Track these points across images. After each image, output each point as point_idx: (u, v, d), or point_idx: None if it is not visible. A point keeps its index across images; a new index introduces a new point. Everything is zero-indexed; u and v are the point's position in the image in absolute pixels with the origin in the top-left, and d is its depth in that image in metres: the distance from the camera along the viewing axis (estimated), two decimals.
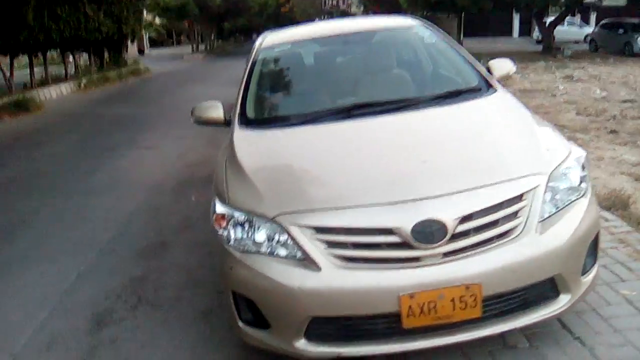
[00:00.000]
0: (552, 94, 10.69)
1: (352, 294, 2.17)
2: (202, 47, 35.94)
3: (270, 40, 3.90)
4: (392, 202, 2.22)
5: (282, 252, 2.29)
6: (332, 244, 2.21)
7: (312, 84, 3.59)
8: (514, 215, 2.24)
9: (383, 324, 2.22)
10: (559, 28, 23.99)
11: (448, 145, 2.60)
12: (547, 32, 23.28)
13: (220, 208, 2.48)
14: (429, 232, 2.14)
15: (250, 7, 41.63)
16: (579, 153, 2.57)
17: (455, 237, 2.17)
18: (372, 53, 3.83)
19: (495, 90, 3.17)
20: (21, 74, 14.53)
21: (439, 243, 2.15)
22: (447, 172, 2.38)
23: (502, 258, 2.19)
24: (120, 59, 20.01)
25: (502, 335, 2.52)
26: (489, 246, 2.20)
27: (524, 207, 2.26)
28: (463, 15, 26.24)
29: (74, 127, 9.76)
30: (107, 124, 9.87)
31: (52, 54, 17.17)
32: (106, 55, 19.17)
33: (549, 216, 2.30)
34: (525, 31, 34.29)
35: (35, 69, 14.17)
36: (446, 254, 2.17)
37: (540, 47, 23.75)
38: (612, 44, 21.49)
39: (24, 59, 14.65)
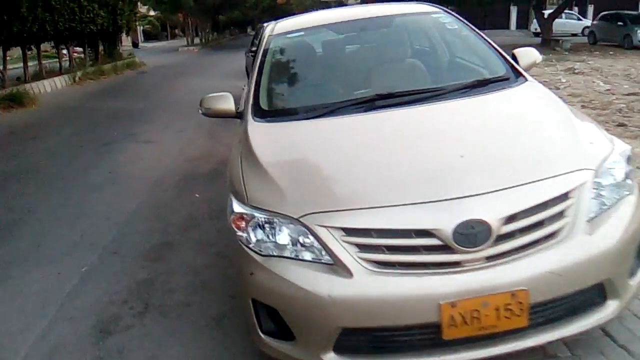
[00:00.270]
0: (555, 87, 10.52)
1: (388, 303, 1.98)
2: (197, 40, 35.55)
3: (282, 27, 3.68)
4: (430, 200, 2.03)
5: (308, 255, 2.09)
6: (364, 247, 2.02)
7: (329, 73, 3.38)
8: (560, 214, 2.06)
9: (421, 335, 2.03)
10: (556, 20, 23.81)
11: (484, 138, 2.40)
12: (546, 24, 23.08)
13: (238, 208, 2.28)
14: (472, 234, 1.95)
15: (246, 0, 41.23)
16: (623, 147, 2.39)
17: (500, 239, 1.98)
18: (392, 40, 3.62)
19: (526, 80, 2.99)
20: (14, 67, 14.24)
21: (482, 246, 1.96)
22: (487, 167, 2.18)
23: (550, 261, 2.00)
24: (115, 52, 19.69)
25: (542, 345, 2.33)
26: (534, 249, 2.02)
27: (570, 205, 2.07)
28: (461, 7, 26.01)
29: (69, 121, 9.51)
30: (104, 117, 9.62)
31: (46, 46, 16.83)
32: (101, 48, 18.83)
33: (597, 215, 2.11)
34: (522, 24, 34.10)
35: (29, 63, 13.84)
36: (489, 258, 1.98)
37: (538, 40, 23.56)
38: (611, 36, 21.37)
39: (16, 52, 14.33)
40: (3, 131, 8.89)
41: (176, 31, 47.59)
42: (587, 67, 13.93)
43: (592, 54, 17.90)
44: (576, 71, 13.27)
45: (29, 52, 13.79)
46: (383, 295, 1.97)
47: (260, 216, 2.19)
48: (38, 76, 13.87)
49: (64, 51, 16.63)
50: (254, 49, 9.70)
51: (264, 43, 3.48)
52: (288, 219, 2.12)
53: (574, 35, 26.67)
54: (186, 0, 30.50)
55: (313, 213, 2.08)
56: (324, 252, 2.05)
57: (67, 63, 16.42)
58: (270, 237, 2.16)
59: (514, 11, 34.62)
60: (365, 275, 1.98)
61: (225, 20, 45.37)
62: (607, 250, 2.05)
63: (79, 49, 17.96)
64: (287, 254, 2.12)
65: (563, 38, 23.03)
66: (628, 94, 9.40)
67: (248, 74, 10.85)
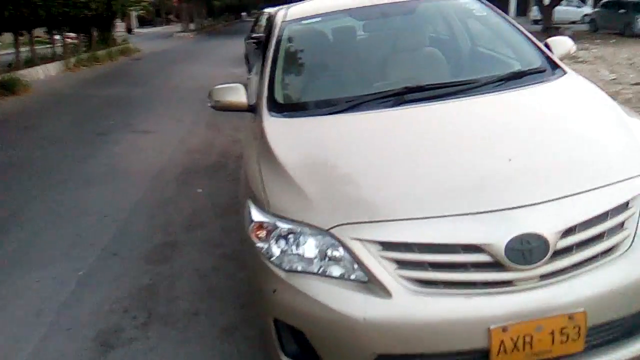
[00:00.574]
0: None
1: (431, 327, 1.74)
2: (192, 26, 35.01)
3: (295, 13, 3.39)
4: (479, 211, 1.79)
5: (338, 271, 1.85)
6: (404, 264, 1.78)
7: (350, 63, 3.11)
8: (620, 226, 1.83)
9: None
10: (557, 8, 23.48)
11: (531, 139, 2.15)
12: (547, 11, 22.75)
13: (258, 216, 2.03)
14: (527, 250, 1.72)
15: None
16: None
17: (556, 255, 1.75)
18: (417, 27, 3.36)
19: (565, 72, 2.74)
20: (6, 53, 13.85)
21: (537, 263, 1.73)
22: (540, 173, 1.94)
23: (610, 279, 1.78)
24: (109, 38, 19.24)
25: None
26: (592, 265, 1.79)
27: (631, 216, 1.84)
28: None
29: (64, 110, 9.20)
30: (99, 105, 9.30)
31: (39, 32, 16.39)
32: (95, 34, 18.38)
33: None
34: (521, 11, 33.71)
35: (21, 48, 13.44)
36: (544, 276, 1.75)
37: (538, 27, 23.24)
38: (612, 23, 21.08)
39: (8, 37, 13.92)
40: None
41: (171, 17, 46.89)
42: (591, 56, 13.67)
43: (594, 42, 17.62)
44: (580, 60, 13.02)
45: (21, 38, 13.37)
46: (426, 319, 1.74)
47: (283, 226, 1.94)
48: (31, 62, 13.48)
49: (57, 37, 16.20)
50: (254, 35, 9.44)
51: (276, 30, 3.20)
52: (316, 230, 1.88)
53: (574, 22, 26.33)
54: None
55: (345, 224, 1.84)
56: (357, 268, 1.82)
57: (61, 49, 16.00)
58: (295, 249, 1.92)
59: None
60: (405, 296, 1.75)
61: (220, 5, 44.69)
62: None
63: (73, 35, 17.52)
64: (314, 269, 1.88)
65: (563, 26, 22.72)
66: (635, 84, 9.19)
67: (248, 61, 10.58)
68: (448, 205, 1.82)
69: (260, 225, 2.01)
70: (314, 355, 1.89)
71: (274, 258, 1.95)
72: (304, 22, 3.31)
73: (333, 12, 3.37)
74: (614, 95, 7.99)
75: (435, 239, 1.77)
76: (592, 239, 1.79)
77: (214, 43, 23.17)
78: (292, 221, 1.93)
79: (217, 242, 3.73)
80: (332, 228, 1.85)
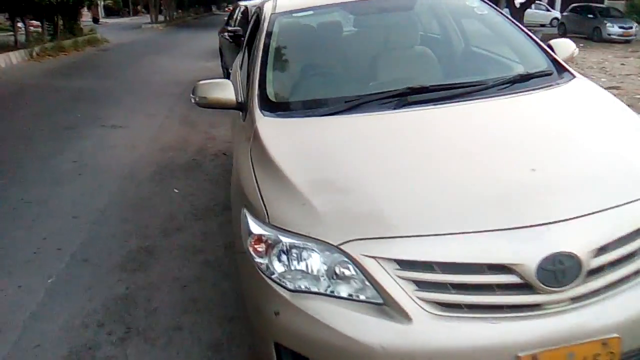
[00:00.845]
0: None
1: (455, 356, 1.58)
2: (160, 17, 34.21)
3: (285, 5, 3.17)
4: (507, 227, 1.62)
5: (349, 292, 1.67)
6: (424, 285, 1.61)
7: (346, 59, 2.91)
8: None
9: None
10: (527, 11, 23.78)
11: (553, 148, 2.00)
12: (519, 13, 23.00)
13: (257, 228, 1.82)
14: (560, 270, 1.57)
15: None
16: None
17: (589, 275, 1.60)
18: (416, 23, 3.19)
19: (573, 76, 2.62)
20: None
21: (570, 285, 1.58)
22: (568, 186, 1.79)
23: None
24: (75, 27, 18.55)
25: None
26: (625, 286, 1.65)
27: None
28: None
29: (28, 101, 8.73)
30: (65, 98, 8.86)
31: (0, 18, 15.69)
32: (60, 22, 17.67)
33: None
34: None
35: None
36: (575, 299, 1.60)
37: None
38: (581, 28, 21.46)
39: None
40: None
41: (139, 7, 45.80)
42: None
43: None
44: None
45: None
46: (449, 346, 1.57)
47: (286, 240, 1.74)
48: None
49: (20, 24, 15.50)
50: (230, 28, 9.15)
51: (266, 23, 2.98)
52: (324, 245, 1.69)
53: (543, 25, 26.76)
54: None
55: (358, 240, 1.65)
56: (370, 289, 1.63)
57: (24, 37, 15.33)
58: (300, 267, 1.73)
59: None
60: (426, 320, 1.58)
61: None
62: None
63: (36, 23, 16.82)
64: (321, 289, 1.69)
65: (533, 28, 23.02)
66: (608, 88, 9.27)
67: (222, 55, 10.27)
68: (472, 221, 1.65)
69: (259, 239, 1.81)
70: None
71: (275, 275, 1.75)
72: (295, 14, 3.10)
73: (326, 5, 3.17)
74: None
75: (459, 257, 1.60)
76: (625, 257, 1.66)
77: (184, 35, 22.64)
78: (297, 235, 1.73)
79: (197, 247, 3.49)
80: (342, 244, 1.66)
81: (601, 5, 21.42)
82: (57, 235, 3.71)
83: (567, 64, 2.79)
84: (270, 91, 2.56)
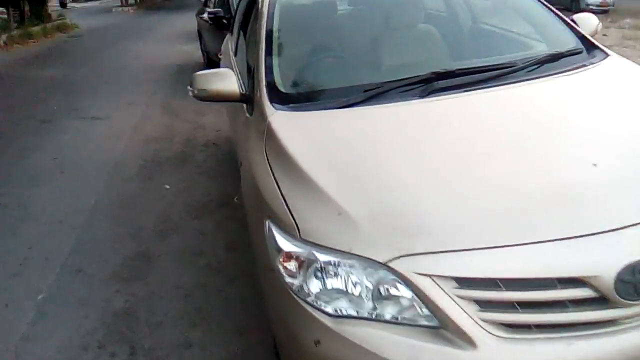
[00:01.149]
0: None
1: None
2: (131, 0, 33.19)
3: None
4: (578, 234, 1.42)
5: (399, 315, 1.45)
6: (488, 304, 1.40)
7: (359, 42, 2.65)
8: None
9: None
10: None
11: (609, 139, 1.80)
12: None
13: (287, 245, 1.59)
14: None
15: None
16: None
17: None
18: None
19: (606, 55, 2.42)
20: None
21: None
22: (636, 182, 1.59)
23: None
24: (43, 13, 17.74)
25: None
26: None
27: None
28: None
29: None
30: (39, 88, 8.40)
31: None
32: (26, 8, 16.90)
33: None
34: None
35: None
36: None
37: None
38: None
39: None
40: None
41: None
42: None
43: None
44: None
45: None
46: None
47: (324, 258, 1.51)
48: None
49: None
50: (209, 10, 8.74)
51: (265, 4, 2.70)
52: (368, 262, 1.46)
53: None
54: None
55: (409, 255, 1.44)
56: (425, 312, 1.42)
57: None
58: (339, 287, 1.51)
59: None
60: (493, 345, 1.37)
61: None
62: None
63: (1, 9, 16.06)
64: (366, 312, 1.48)
65: None
66: None
67: (201, 37, 9.86)
68: (537, 229, 1.44)
69: (290, 256, 1.58)
70: None
71: (311, 298, 1.53)
72: None
73: None
74: None
75: (526, 272, 1.40)
76: None
77: (157, 18, 21.91)
78: (335, 251, 1.50)
79: (197, 249, 3.25)
80: (391, 261, 1.44)
81: None
82: (43, 243, 3.43)
83: None
84: (278, 81, 2.31)
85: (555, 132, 1.83)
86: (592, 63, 2.33)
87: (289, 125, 2.02)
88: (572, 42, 2.50)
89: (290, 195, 1.69)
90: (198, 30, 10.08)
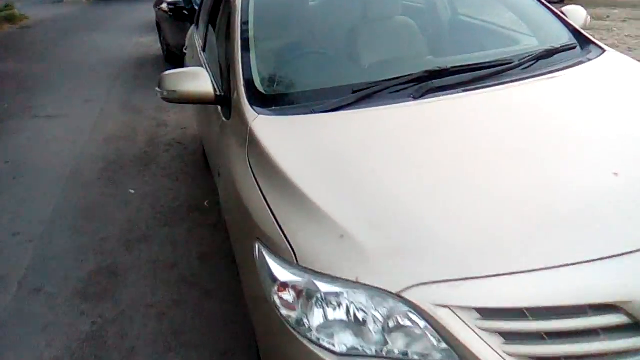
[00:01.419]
0: None
1: None
2: None
3: None
4: (605, 256, 1.28)
5: (413, 351, 1.29)
6: (513, 336, 1.25)
7: (343, 36, 2.45)
8: None
9: None
10: None
11: (625, 143, 1.67)
12: None
13: (283, 273, 1.40)
14: None
15: None
16: None
17: None
18: None
19: (603, 50, 2.31)
20: None
21: None
22: None
23: None
24: None
25: None
26: None
27: None
28: None
29: None
30: None
31: None
32: None
33: None
34: None
35: None
36: None
37: None
38: None
39: None
40: None
41: None
42: None
43: None
44: None
45: None
46: None
47: (326, 289, 1.34)
48: None
49: None
50: (168, 1, 8.36)
51: None
52: (378, 292, 1.29)
53: None
54: None
55: (424, 284, 1.27)
56: (443, 346, 1.26)
57: None
58: (344, 320, 1.33)
59: None
60: None
61: None
62: None
63: None
64: (376, 349, 1.31)
65: None
66: None
67: (160, 29, 9.47)
68: (563, 250, 1.30)
69: (286, 285, 1.39)
70: None
71: (312, 334, 1.35)
72: None
73: None
74: None
75: (556, 298, 1.25)
76: None
77: (112, 9, 21.11)
78: (339, 280, 1.33)
79: (168, 261, 3.02)
80: (404, 290, 1.27)
81: None
82: None
83: None
84: (257, 81, 2.10)
85: (567, 136, 1.69)
86: (589, 59, 2.22)
87: (274, 132, 1.82)
88: (565, 36, 2.38)
89: (282, 214, 1.50)
90: (157, 22, 9.66)
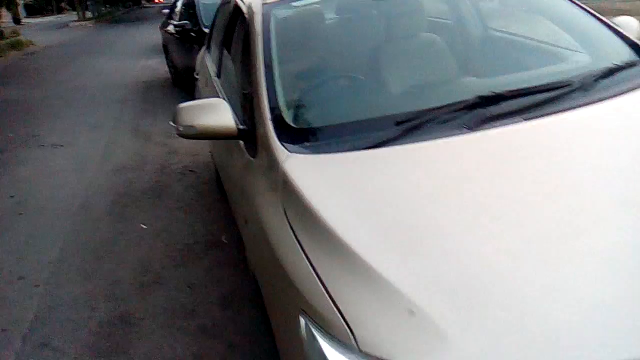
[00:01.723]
0: None
1: None
2: (88, 14, 32.18)
3: None
4: None
5: None
6: None
7: (376, 61, 2.20)
8: None
9: None
10: None
11: None
12: None
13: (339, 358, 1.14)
14: None
15: None
16: None
17: None
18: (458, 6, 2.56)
19: None
20: None
21: None
22: None
23: None
24: None
25: None
26: None
27: None
28: None
29: None
30: None
31: None
32: None
33: None
34: None
35: None
36: None
37: None
38: None
39: None
40: None
41: (63, 4, 43.05)
42: None
43: None
44: None
45: None
46: None
47: None
48: None
49: None
50: (176, 23, 8.21)
51: (257, 19, 2.25)
52: None
53: None
54: None
55: None
56: None
57: None
58: None
59: None
60: None
61: None
62: None
63: None
64: None
65: None
66: None
67: (167, 51, 9.32)
68: None
69: None
70: None
71: None
72: (294, 4, 2.39)
73: None
74: None
75: None
76: None
77: (117, 32, 21.17)
78: None
79: (186, 308, 2.76)
80: None
81: None
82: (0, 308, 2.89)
83: None
84: (285, 113, 1.86)
85: None
86: None
87: (311, 176, 1.57)
88: (624, 52, 2.12)
89: (333, 282, 1.24)
90: (163, 44, 9.52)
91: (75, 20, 28.29)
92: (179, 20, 8.27)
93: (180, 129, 1.98)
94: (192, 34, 6.92)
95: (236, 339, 2.47)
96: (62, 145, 5.96)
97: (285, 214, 1.49)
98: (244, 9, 2.51)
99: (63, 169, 5.16)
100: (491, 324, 1.07)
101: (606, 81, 1.91)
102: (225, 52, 2.96)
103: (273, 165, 1.68)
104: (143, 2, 50.58)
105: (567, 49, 2.37)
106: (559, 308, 1.08)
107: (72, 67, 11.77)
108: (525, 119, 1.69)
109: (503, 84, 1.94)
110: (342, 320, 1.15)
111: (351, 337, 1.12)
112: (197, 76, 3.99)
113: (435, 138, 1.65)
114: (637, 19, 2.39)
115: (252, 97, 2.00)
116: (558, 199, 1.36)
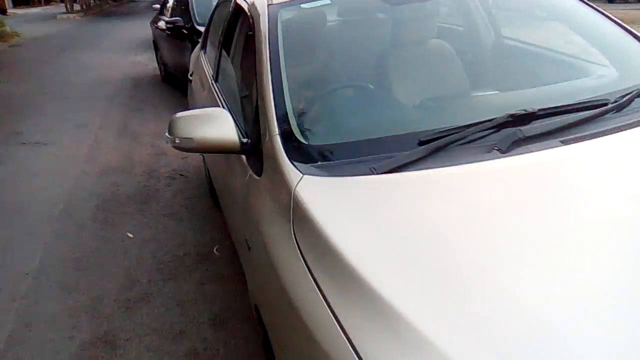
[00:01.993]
0: None
1: None
2: (76, 6, 31.66)
3: None
4: None
5: None
6: None
7: (396, 70, 2.02)
8: None
9: None
10: None
11: None
12: None
13: None
14: None
15: None
16: None
17: None
18: (471, 12, 2.39)
19: None
20: None
21: None
22: None
23: None
24: None
25: None
26: None
27: None
28: None
29: None
30: None
31: None
32: None
33: None
34: None
35: None
36: None
37: None
38: None
39: None
40: None
41: None
42: None
43: None
44: None
45: None
46: None
47: None
48: None
49: None
50: (166, 19, 7.98)
51: (262, 21, 2.06)
52: None
53: None
54: None
55: None
56: None
57: None
58: None
59: None
60: None
61: None
62: None
63: None
64: None
65: None
66: None
67: (157, 48, 9.07)
68: None
69: None
70: None
71: None
72: (304, 5, 2.20)
73: None
74: None
75: None
76: None
77: (105, 26, 20.77)
78: None
79: (175, 327, 2.56)
80: None
81: None
82: None
83: None
84: (295, 128, 1.68)
85: None
86: None
87: (329, 203, 1.38)
88: None
89: (357, 332, 1.06)
90: (153, 41, 9.27)
91: (63, 12, 27.79)
92: (171, 16, 8.05)
93: (177, 141, 1.80)
94: (185, 31, 6.71)
95: None
96: (45, 144, 5.70)
97: (298, 246, 1.31)
98: (246, 9, 2.32)
99: (45, 170, 4.91)
100: None
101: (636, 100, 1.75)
102: (224, 54, 2.76)
103: (282, 187, 1.49)
104: None
105: (590, 61, 2.23)
106: None
107: (57, 61, 11.44)
108: (563, 142, 1.52)
109: (528, 99, 1.79)
110: None
111: None
112: (191, 77, 3.78)
113: (463, 162, 1.48)
114: (632, 27, 2.23)
115: (256, 108, 1.82)
116: (607, 239, 1.19)
